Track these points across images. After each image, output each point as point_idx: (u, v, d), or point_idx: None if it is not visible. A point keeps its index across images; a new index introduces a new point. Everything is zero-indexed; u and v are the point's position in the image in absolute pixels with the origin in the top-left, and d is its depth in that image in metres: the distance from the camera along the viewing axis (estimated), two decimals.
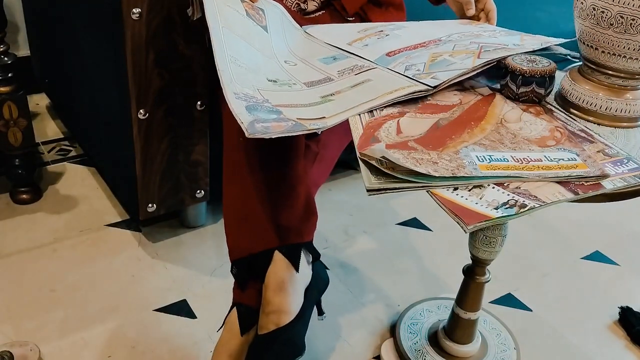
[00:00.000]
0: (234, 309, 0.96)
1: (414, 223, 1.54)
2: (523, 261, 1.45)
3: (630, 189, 0.71)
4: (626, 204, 0.80)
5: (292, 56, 0.97)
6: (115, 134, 1.28)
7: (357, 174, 1.68)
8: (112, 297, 1.23)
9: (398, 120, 0.79)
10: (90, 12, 1.25)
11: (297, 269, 0.92)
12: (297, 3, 1.15)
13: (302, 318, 0.93)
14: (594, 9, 0.78)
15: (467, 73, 0.87)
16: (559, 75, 0.88)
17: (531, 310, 1.31)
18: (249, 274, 0.94)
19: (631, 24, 0.76)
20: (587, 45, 0.82)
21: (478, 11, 1.14)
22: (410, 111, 0.82)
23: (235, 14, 0.93)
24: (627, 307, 1.30)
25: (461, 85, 0.89)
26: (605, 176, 0.70)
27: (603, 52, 0.80)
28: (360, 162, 0.70)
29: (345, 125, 0.79)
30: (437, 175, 0.68)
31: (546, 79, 0.84)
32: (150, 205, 1.25)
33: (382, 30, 1.05)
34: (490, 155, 0.73)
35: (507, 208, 0.65)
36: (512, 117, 0.82)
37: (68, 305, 1.21)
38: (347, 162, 1.69)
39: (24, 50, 1.86)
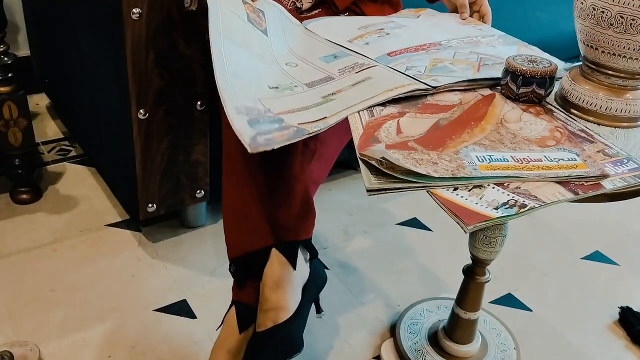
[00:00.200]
0: (233, 307, 0.96)
1: (414, 223, 1.54)
2: (523, 261, 1.45)
3: (630, 189, 0.71)
4: (626, 204, 0.80)
5: (293, 56, 0.97)
6: (115, 134, 1.28)
7: (357, 174, 1.68)
8: (112, 297, 1.23)
9: (398, 120, 0.79)
10: (90, 12, 1.25)
11: (294, 267, 0.92)
12: (292, 2, 1.15)
13: (300, 315, 0.93)
14: (594, 9, 0.78)
15: (467, 83, 0.88)
16: (559, 75, 0.88)
17: (531, 310, 1.31)
18: (246, 272, 0.95)
19: (631, 24, 0.76)
20: (587, 45, 0.82)
21: (473, 13, 1.15)
22: (410, 111, 0.82)
23: (236, 19, 0.93)
24: (627, 307, 1.30)
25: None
26: (605, 176, 0.70)
27: (603, 52, 0.80)
28: (360, 162, 0.70)
29: (345, 123, 0.79)
30: (437, 176, 0.68)
31: (546, 80, 0.84)
32: (150, 205, 1.25)
33: (382, 29, 1.05)
34: (490, 156, 0.73)
35: (507, 208, 0.65)
36: (512, 117, 0.82)
37: (68, 305, 1.21)
38: (347, 162, 1.70)
39: (24, 50, 1.86)
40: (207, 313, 1.21)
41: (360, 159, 0.70)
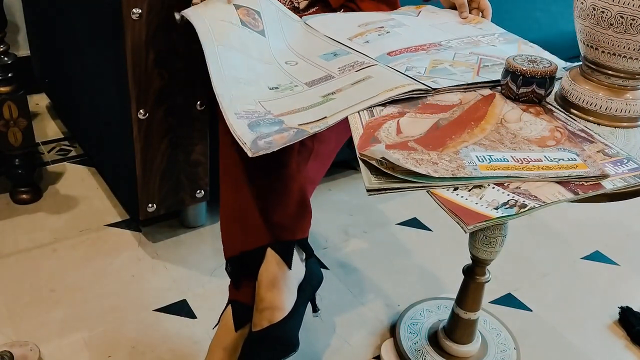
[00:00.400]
0: (229, 306, 0.96)
1: (414, 223, 1.54)
2: (523, 261, 1.45)
3: (630, 189, 0.71)
4: (626, 204, 0.80)
5: (292, 54, 0.97)
6: (115, 134, 1.28)
7: (357, 174, 1.68)
8: (112, 297, 1.23)
9: (398, 120, 0.79)
10: (90, 12, 1.25)
11: (289, 266, 0.93)
12: (289, 1, 1.15)
13: (295, 314, 0.93)
14: (594, 9, 0.78)
15: (466, 86, 0.88)
16: (559, 75, 0.88)
17: (531, 310, 1.31)
18: (242, 272, 0.95)
19: (631, 24, 0.76)
20: (587, 45, 0.82)
21: (472, 9, 1.15)
22: (410, 111, 0.82)
23: (229, 26, 0.93)
24: (627, 307, 1.30)
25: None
26: (605, 176, 0.70)
27: (603, 52, 0.80)
28: (360, 162, 0.70)
29: (343, 121, 0.79)
30: (437, 176, 0.68)
31: (547, 80, 0.84)
32: (150, 205, 1.25)
33: (382, 27, 1.05)
34: (490, 156, 0.73)
35: (507, 208, 0.65)
36: (512, 117, 0.82)
37: (68, 305, 1.21)
38: (347, 162, 1.70)
39: (24, 50, 1.86)
40: (207, 313, 1.21)
41: (360, 159, 0.70)
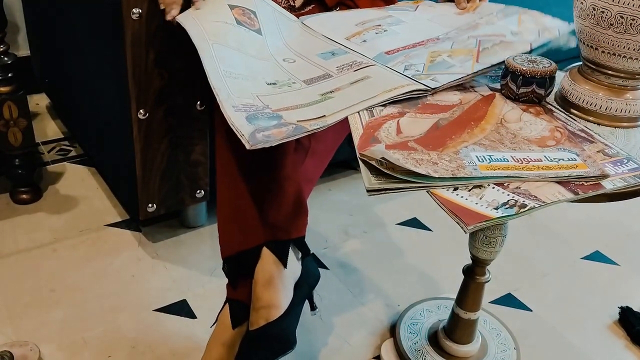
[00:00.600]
0: (227, 305, 0.97)
1: (414, 223, 1.54)
2: (523, 261, 1.45)
3: (630, 189, 0.71)
4: (626, 204, 0.80)
5: (290, 52, 0.97)
6: (115, 134, 1.28)
7: (357, 174, 1.68)
8: (112, 297, 1.23)
9: (398, 121, 0.79)
10: (90, 12, 1.25)
11: (285, 265, 0.93)
12: (285, 0, 1.15)
13: (292, 312, 0.94)
14: (594, 9, 0.78)
15: (467, 78, 0.87)
16: (559, 75, 0.88)
17: (531, 310, 1.31)
18: (239, 271, 0.95)
19: (631, 24, 0.76)
20: (587, 45, 0.82)
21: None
22: (410, 111, 0.82)
23: (224, 26, 0.93)
24: (627, 307, 1.30)
25: (461, 85, 0.89)
26: (605, 176, 0.70)
27: (603, 52, 0.80)
28: (360, 163, 0.70)
29: (341, 120, 0.79)
30: (437, 176, 0.68)
31: (546, 80, 0.84)
32: (150, 205, 1.25)
33: (380, 25, 1.05)
34: (490, 156, 0.73)
35: (507, 208, 0.65)
36: (512, 117, 0.82)
37: (68, 305, 1.21)
38: (347, 162, 1.70)
39: (24, 50, 1.86)
40: (207, 313, 1.21)
41: (360, 159, 0.70)
